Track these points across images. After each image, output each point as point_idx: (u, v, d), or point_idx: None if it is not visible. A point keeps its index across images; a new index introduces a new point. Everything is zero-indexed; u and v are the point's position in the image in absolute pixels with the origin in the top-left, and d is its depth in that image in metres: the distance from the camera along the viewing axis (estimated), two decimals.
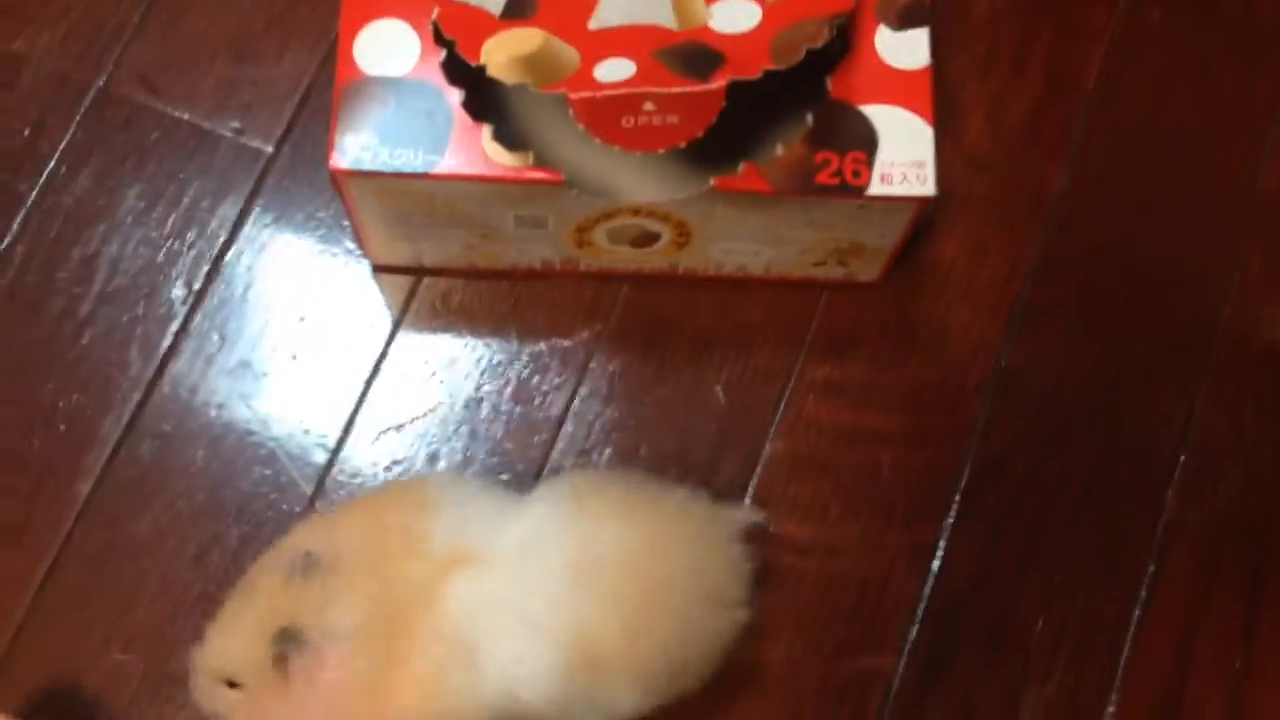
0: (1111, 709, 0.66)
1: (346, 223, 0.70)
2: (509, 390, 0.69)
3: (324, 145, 0.70)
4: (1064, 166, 0.74)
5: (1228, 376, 0.71)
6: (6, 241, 0.69)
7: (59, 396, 0.67)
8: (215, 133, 0.71)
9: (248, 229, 0.70)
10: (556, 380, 0.69)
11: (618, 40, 0.58)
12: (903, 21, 0.62)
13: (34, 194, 0.69)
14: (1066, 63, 0.75)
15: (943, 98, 0.64)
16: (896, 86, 0.61)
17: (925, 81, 0.61)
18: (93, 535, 0.65)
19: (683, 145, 0.57)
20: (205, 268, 0.69)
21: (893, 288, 0.71)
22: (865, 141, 0.60)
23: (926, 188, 0.60)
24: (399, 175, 0.59)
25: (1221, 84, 0.76)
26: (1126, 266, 0.73)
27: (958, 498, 0.69)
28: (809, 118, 0.59)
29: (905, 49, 0.61)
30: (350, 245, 0.70)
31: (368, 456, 0.68)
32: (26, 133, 0.70)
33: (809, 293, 0.71)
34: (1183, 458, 0.70)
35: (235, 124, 0.71)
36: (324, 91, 0.72)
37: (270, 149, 0.71)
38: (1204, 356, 0.71)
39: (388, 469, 0.67)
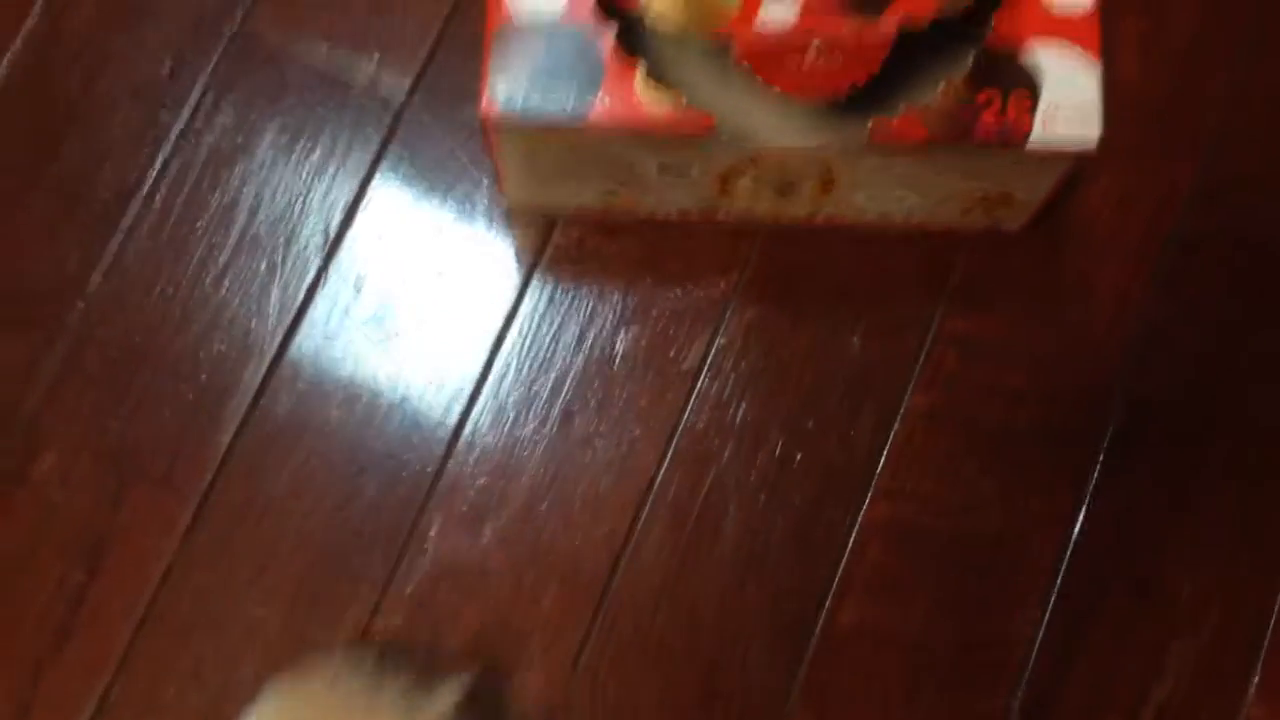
0: (1257, 677, 0.65)
1: (481, 167, 0.69)
2: (644, 341, 0.68)
3: (458, 89, 0.70)
4: (1218, 113, 0.71)
5: None
6: (150, 181, 0.68)
7: (200, 344, 0.66)
8: (350, 76, 0.70)
9: (382, 174, 0.69)
10: (692, 331, 0.68)
11: None
12: None
13: (175, 132, 0.69)
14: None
15: None
16: (1061, 23, 0.59)
17: (1093, 18, 0.59)
18: (234, 486, 0.65)
19: (845, 90, 0.56)
20: (340, 214, 0.69)
21: (1036, 239, 0.69)
22: (1028, 82, 0.58)
23: (1093, 131, 0.58)
24: (549, 119, 0.58)
25: None
26: None
27: (1100, 457, 0.67)
28: (971, 57, 0.58)
29: None
30: (484, 190, 0.69)
31: (503, 407, 0.67)
32: (167, 70, 0.70)
33: (949, 243, 0.69)
34: None
35: (370, 68, 0.70)
36: (457, 36, 0.71)
37: (404, 93, 0.70)
38: None
39: (523, 420, 0.67)
